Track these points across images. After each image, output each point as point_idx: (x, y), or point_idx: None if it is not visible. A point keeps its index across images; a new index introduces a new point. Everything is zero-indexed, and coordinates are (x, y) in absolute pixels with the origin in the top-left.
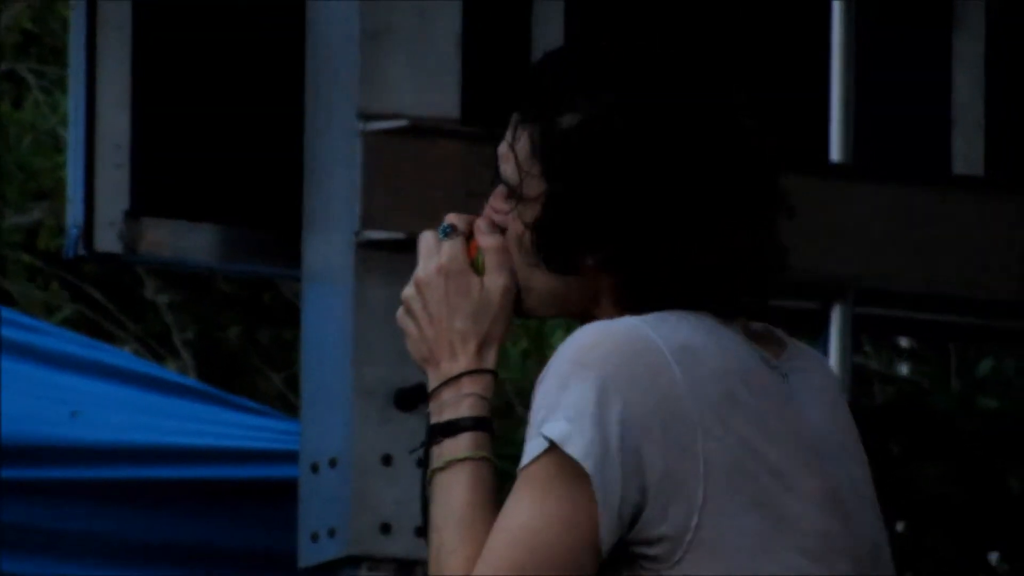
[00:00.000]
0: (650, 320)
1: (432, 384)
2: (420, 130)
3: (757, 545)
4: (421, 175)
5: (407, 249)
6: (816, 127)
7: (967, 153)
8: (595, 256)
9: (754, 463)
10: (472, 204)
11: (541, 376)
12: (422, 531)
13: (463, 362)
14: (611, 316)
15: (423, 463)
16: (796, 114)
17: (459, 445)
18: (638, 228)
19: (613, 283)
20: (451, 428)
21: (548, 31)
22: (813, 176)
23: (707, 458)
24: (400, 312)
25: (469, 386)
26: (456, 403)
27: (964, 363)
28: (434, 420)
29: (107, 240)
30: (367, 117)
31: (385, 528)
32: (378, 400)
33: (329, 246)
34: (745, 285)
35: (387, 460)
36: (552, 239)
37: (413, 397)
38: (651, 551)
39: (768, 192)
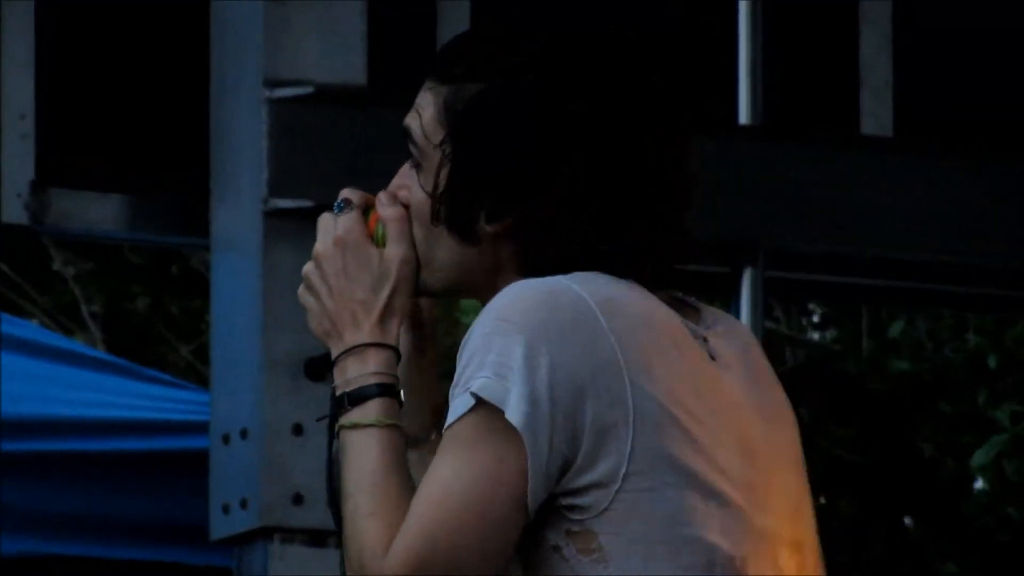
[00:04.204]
0: (573, 277)
1: (334, 354)
2: (326, 97)
3: (683, 494)
4: (328, 142)
5: (316, 217)
6: (724, 89)
7: (875, 113)
8: (497, 224)
9: (681, 413)
10: (380, 167)
11: (467, 335)
12: (331, 501)
13: (366, 331)
14: None
15: (329, 433)
16: (704, 76)
17: (367, 412)
18: (538, 197)
19: (515, 253)
20: (357, 397)
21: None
22: (722, 138)
23: (635, 406)
24: (301, 288)
25: (374, 356)
26: (361, 371)
27: (876, 325)
28: (340, 391)
29: (14, 211)
30: (273, 84)
31: (297, 499)
32: (289, 370)
33: (237, 215)
34: (649, 253)
35: (298, 430)
36: (454, 206)
37: (323, 366)
38: (578, 501)
39: (672, 160)
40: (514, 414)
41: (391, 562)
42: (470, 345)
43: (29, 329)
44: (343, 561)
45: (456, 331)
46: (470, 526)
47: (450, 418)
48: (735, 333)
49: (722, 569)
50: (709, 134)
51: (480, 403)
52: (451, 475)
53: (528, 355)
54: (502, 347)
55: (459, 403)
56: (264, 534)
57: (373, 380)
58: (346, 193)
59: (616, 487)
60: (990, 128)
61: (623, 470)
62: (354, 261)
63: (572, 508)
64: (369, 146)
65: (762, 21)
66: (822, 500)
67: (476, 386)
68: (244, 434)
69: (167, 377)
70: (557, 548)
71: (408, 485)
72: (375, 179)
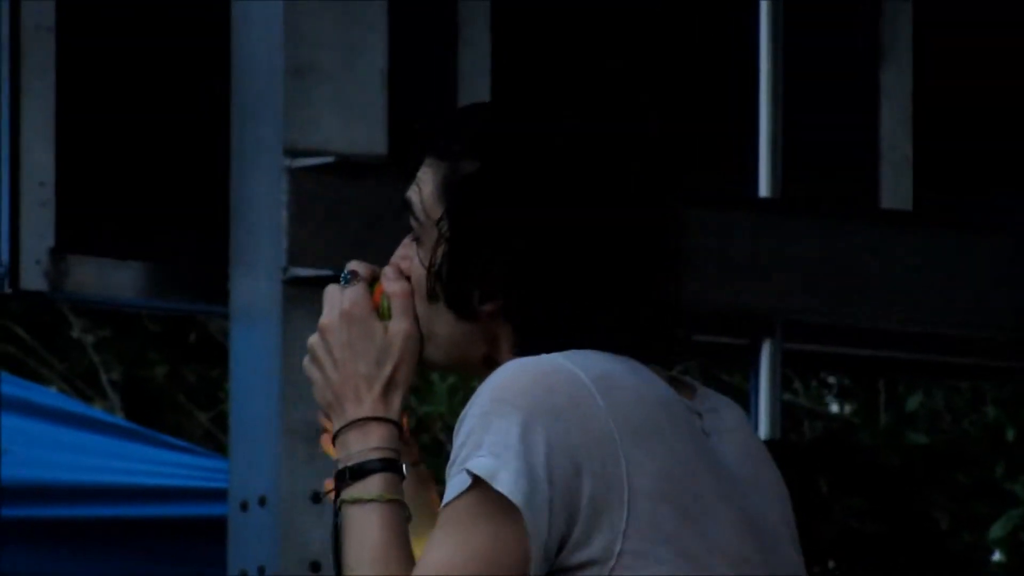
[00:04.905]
0: (568, 354)
1: (336, 427)
2: (347, 166)
3: (677, 571)
4: (348, 212)
5: None
6: (744, 162)
7: (895, 188)
8: (493, 303)
9: (676, 490)
10: (399, 237)
11: (463, 414)
12: (339, 574)
13: (368, 406)
14: None
15: (335, 506)
16: (724, 149)
17: (369, 487)
18: (533, 278)
19: (510, 330)
20: (360, 471)
21: (475, 66)
22: (742, 211)
23: (631, 485)
24: (306, 360)
25: (376, 430)
26: (363, 446)
27: (893, 398)
28: (342, 465)
29: (33, 278)
30: (293, 153)
31: (315, 566)
32: (307, 438)
33: (256, 283)
34: (644, 329)
35: (316, 498)
36: (450, 284)
37: None
38: None
39: (666, 241)
40: (514, 492)
41: None
42: (467, 424)
43: (49, 396)
44: None
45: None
46: None
47: (447, 496)
48: (729, 412)
49: None
50: (729, 207)
51: (477, 482)
52: (447, 554)
53: (524, 434)
54: (499, 427)
55: (456, 482)
56: None
57: (375, 455)
58: (353, 265)
59: (611, 564)
60: (1008, 201)
61: (618, 547)
62: (359, 334)
63: None
64: (389, 216)
65: (783, 93)
66: (831, 565)
67: (472, 465)
68: (262, 501)
69: (185, 444)
70: None
71: (409, 561)
72: (394, 249)
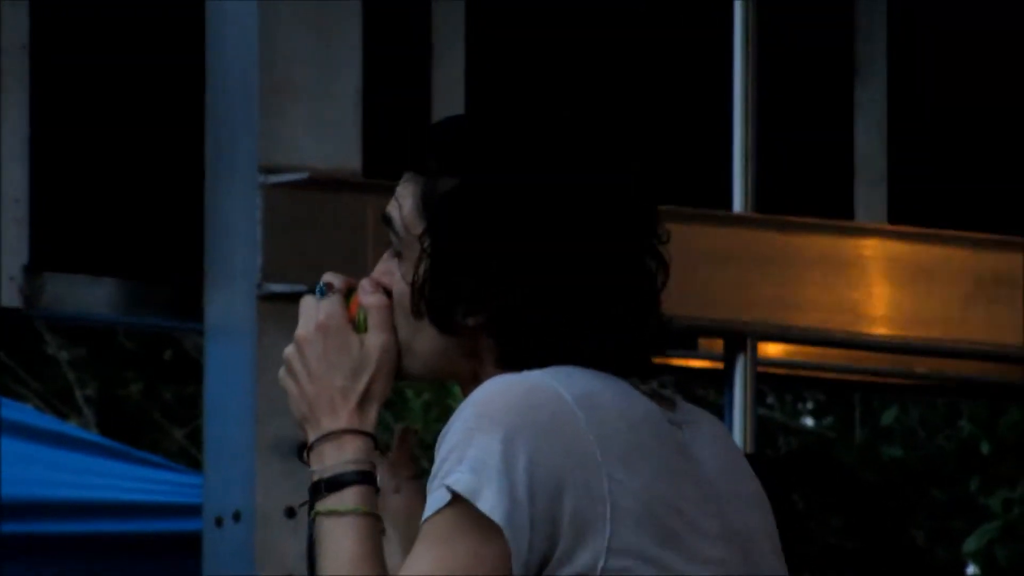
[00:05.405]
0: (550, 372)
1: (312, 439)
2: (321, 183)
3: None
4: (322, 228)
5: None
6: (718, 178)
7: (869, 203)
8: (475, 318)
9: (659, 505)
10: (375, 253)
11: (444, 430)
12: None
13: (344, 419)
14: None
15: (309, 520)
16: (698, 165)
17: (344, 499)
18: (513, 293)
19: (493, 344)
20: (335, 483)
21: (449, 83)
22: (715, 226)
23: (613, 502)
24: (281, 371)
25: (351, 442)
26: (339, 458)
27: (868, 412)
28: (317, 477)
29: (8, 295)
30: (267, 170)
31: None
32: (281, 453)
33: (231, 299)
34: (625, 346)
35: (291, 513)
36: (433, 299)
37: None
38: None
39: (643, 253)
40: (494, 511)
41: None
42: (448, 439)
43: (25, 412)
44: None
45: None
46: None
47: (427, 511)
48: (709, 425)
49: None
50: (703, 222)
51: (456, 499)
52: (425, 569)
53: (506, 451)
54: (481, 443)
55: (436, 497)
56: None
57: (351, 467)
58: (328, 277)
59: None
60: (985, 212)
61: (601, 564)
62: (335, 347)
63: None
64: (363, 231)
65: (756, 110)
66: None
67: (452, 481)
68: (237, 517)
69: (160, 460)
70: None
71: (383, 575)
72: (370, 264)
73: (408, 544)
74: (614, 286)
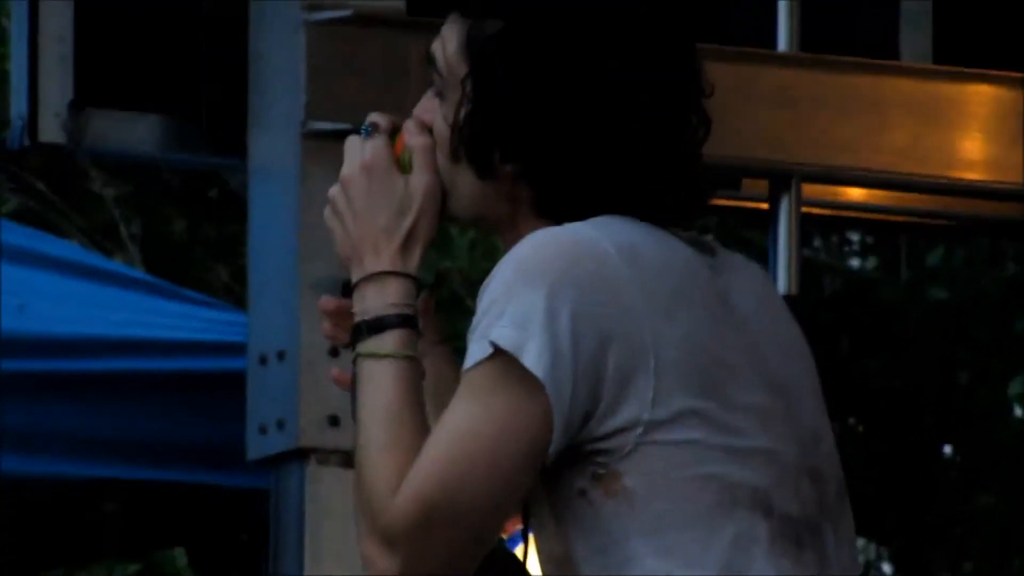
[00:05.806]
0: (592, 223)
1: (355, 279)
2: (365, 20)
3: (705, 434)
4: (366, 65)
5: None
6: (763, 16)
7: (914, 43)
8: (514, 164)
9: (702, 355)
10: (417, 91)
11: (485, 283)
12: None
13: (386, 260)
14: (533, 225)
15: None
16: (742, 2)
17: (384, 342)
18: (554, 140)
19: (532, 193)
20: (376, 325)
21: None
22: (760, 65)
23: (657, 354)
24: (327, 211)
25: (393, 284)
26: (380, 300)
27: (914, 253)
28: (359, 318)
29: (51, 131)
30: (311, 7)
31: (333, 420)
32: (326, 291)
33: (275, 138)
34: (667, 194)
35: (335, 352)
36: (471, 142)
37: None
38: (602, 445)
39: (687, 101)
40: (536, 365)
41: (399, 504)
42: (490, 292)
43: (70, 249)
44: None
45: (451, 252)
46: (482, 475)
47: (467, 363)
48: (749, 271)
49: (746, 504)
50: (748, 62)
51: (498, 352)
52: (466, 422)
53: (549, 306)
54: (523, 297)
55: (476, 349)
56: (300, 455)
57: (392, 311)
58: (374, 117)
59: (639, 431)
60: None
61: (645, 415)
62: (379, 187)
63: (597, 452)
64: (407, 69)
65: None
66: (851, 421)
67: (495, 335)
68: (281, 356)
69: (205, 297)
70: (583, 492)
71: (423, 422)
72: (413, 104)
73: (437, 409)
74: (656, 135)
